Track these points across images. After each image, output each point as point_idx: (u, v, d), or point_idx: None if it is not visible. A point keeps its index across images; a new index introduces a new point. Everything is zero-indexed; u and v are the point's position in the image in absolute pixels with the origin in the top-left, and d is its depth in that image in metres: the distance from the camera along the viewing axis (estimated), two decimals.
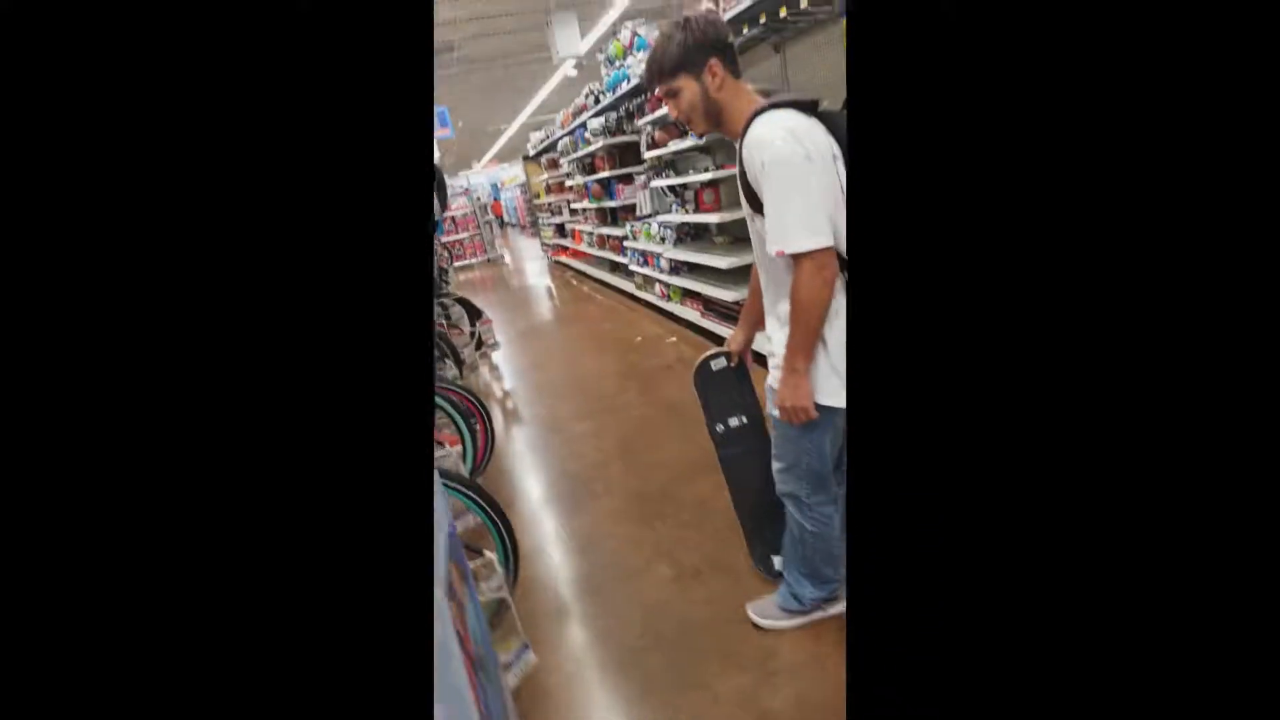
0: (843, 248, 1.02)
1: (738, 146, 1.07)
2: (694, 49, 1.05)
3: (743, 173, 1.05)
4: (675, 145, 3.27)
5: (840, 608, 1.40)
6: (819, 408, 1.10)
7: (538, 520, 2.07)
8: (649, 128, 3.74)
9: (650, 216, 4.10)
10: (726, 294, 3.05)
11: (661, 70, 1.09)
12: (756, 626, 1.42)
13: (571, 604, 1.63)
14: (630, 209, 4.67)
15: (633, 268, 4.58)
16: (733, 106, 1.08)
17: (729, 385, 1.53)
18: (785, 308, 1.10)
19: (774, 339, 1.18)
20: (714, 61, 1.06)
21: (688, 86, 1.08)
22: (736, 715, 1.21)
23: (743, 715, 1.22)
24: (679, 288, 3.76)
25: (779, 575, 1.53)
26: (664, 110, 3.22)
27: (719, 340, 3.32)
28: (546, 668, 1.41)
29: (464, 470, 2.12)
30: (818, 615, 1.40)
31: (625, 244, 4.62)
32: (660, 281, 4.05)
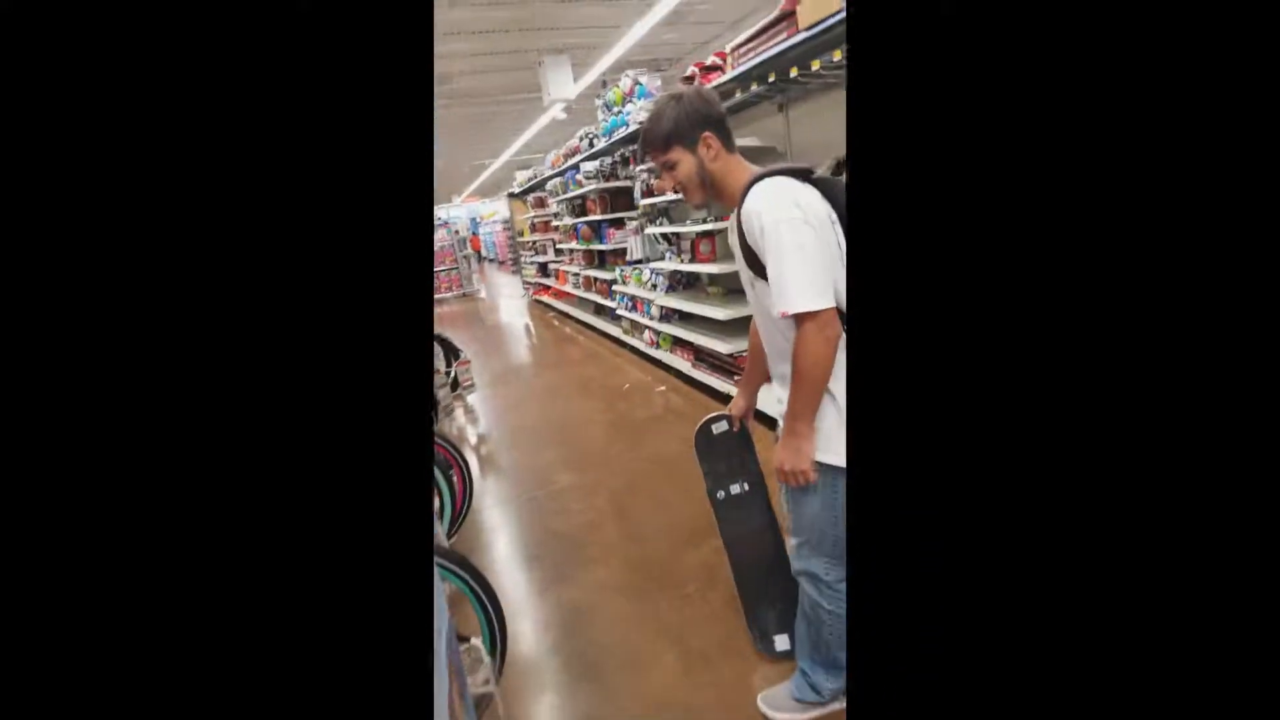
0: (845, 307, 1.03)
1: (735, 214, 1.09)
2: (688, 123, 1.09)
3: (742, 238, 1.07)
4: (671, 194, 3.26)
5: None
6: (835, 470, 1.07)
7: (521, 588, 1.88)
8: (644, 174, 3.74)
9: (642, 262, 4.06)
10: (721, 346, 2.98)
11: (656, 143, 1.12)
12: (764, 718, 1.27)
13: (563, 691, 1.44)
14: (620, 253, 4.63)
15: (620, 312, 4.50)
16: (728, 177, 1.11)
17: (730, 450, 1.50)
18: (787, 369, 1.10)
19: (784, 400, 1.14)
20: (708, 135, 1.09)
21: (683, 159, 1.11)
22: None
23: None
24: (669, 335, 3.69)
25: (782, 655, 1.42)
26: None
27: (710, 391, 3.24)
28: None
29: (441, 529, 1.93)
30: (835, 707, 1.26)
31: (614, 288, 4.56)
32: (650, 328, 3.97)
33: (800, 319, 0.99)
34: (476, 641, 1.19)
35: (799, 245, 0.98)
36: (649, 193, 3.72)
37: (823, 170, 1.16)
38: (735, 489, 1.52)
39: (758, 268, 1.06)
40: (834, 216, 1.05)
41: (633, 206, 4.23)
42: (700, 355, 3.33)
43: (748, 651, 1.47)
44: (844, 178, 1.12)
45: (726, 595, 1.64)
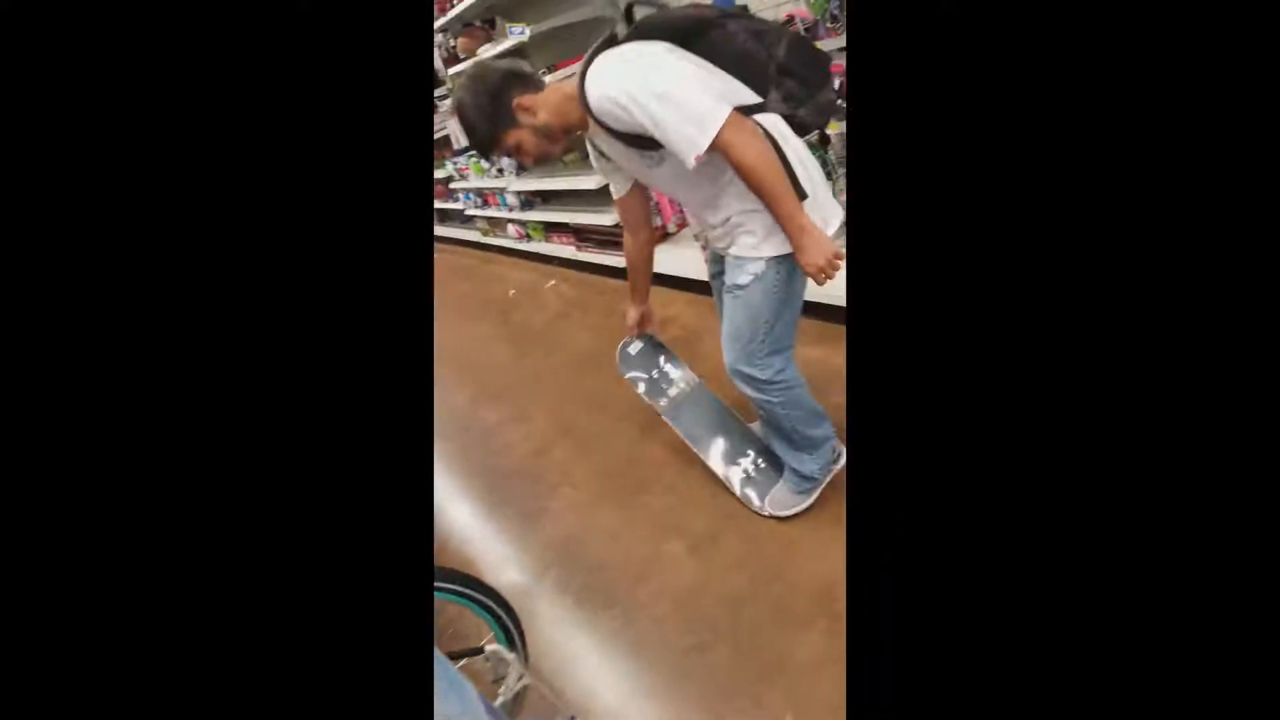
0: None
1: (593, 122, 1.05)
2: (492, 106, 1.06)
3: (618, 134, 1.03)
4: (488, 51, 2.66)
5: (843, 462, 1.42)
6: (777, 260, 1.11)
7: (499, 540, 1.73)
8: (445, 38, 3.02)
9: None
10: (604, 218, 2.70)
11: (488, 143, 1.11)
12: (777, 518, 1.40)
13: (591, 628, 1.38)
14: (444, 142, 3.93)
15: (471, 211, 3.94)
16: (561, 109, 1.08)
17: (653, 360, 1.59)
18: (720, 215, 1.12)
19: (736, 245, 1.16)
20: (519, 101, 1.07)
21: (520, 137, 1.09)
22: (837, 675, 1.10)
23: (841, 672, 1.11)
24: (538, 223, 3.30)
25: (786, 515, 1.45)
26: (461, 7, 2.58)
27: (606, 270, 3.01)
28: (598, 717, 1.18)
29: None
30: (829, 477, 1.40)
31: (452, 186, 3.93)
32: (512, 221, 3.53)
33: (717, 140, 0.95)
34: (492, 646, 1.04)
35: (660, 93, 0.94)
36: (453, 59, 3.05)
37: (620, 27, 1.04)
38: (674, 391, 1.58)
39: (647, 142, 1.01)
40: (670, 46, 1.00)
41: (440, 83, 3.49)
42: (584, 235, 3.03)
43: (752, 516, 1.47)
44: (645, 19, 1.05)
45: (706, 470, 1.61)
